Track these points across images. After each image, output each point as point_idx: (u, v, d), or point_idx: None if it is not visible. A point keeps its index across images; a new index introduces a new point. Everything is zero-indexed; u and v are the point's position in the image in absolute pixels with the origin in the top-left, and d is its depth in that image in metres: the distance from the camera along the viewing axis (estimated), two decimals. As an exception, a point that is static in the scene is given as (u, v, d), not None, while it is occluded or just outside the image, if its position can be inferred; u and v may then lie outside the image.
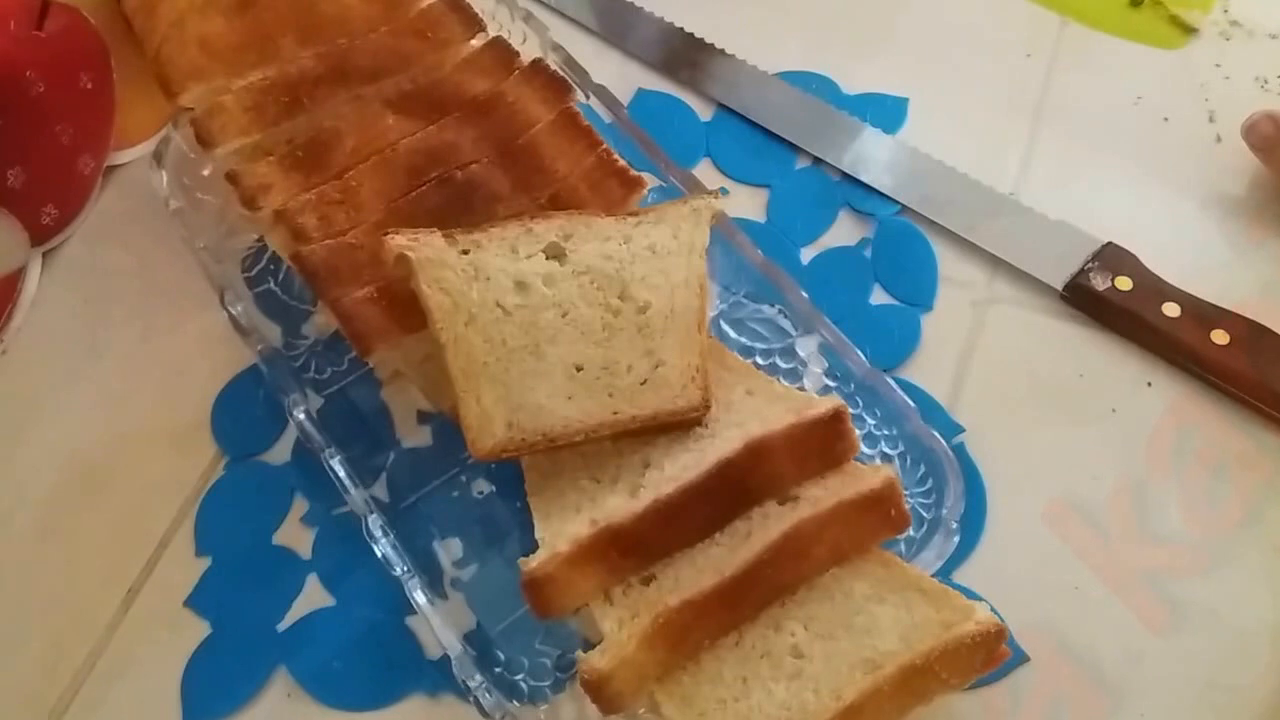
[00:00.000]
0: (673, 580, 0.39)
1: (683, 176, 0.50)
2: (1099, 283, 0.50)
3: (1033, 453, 0.48)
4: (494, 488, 0.47)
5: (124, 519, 0.49)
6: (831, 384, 0.48)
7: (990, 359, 0.51)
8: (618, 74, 0.61)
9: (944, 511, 0.43)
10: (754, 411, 0.42)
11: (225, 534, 0.48)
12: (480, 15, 0.53)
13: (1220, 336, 0.48)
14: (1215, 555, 0.45)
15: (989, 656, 0.38)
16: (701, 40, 0.61)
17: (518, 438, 0.40)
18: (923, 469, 0.44)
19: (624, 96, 0.58)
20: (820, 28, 0.62)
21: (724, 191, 0.56)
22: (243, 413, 0.51)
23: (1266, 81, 0.59)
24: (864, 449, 0.45)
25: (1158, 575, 0.45)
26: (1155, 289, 0.50)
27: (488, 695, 0.40)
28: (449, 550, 0.46)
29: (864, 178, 0.56)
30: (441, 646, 0.41)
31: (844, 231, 0.55)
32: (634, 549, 0.39)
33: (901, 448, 0.45)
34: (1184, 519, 0.46)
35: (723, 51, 0.61)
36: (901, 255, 0.54)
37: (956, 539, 0.42)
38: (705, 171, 0.57)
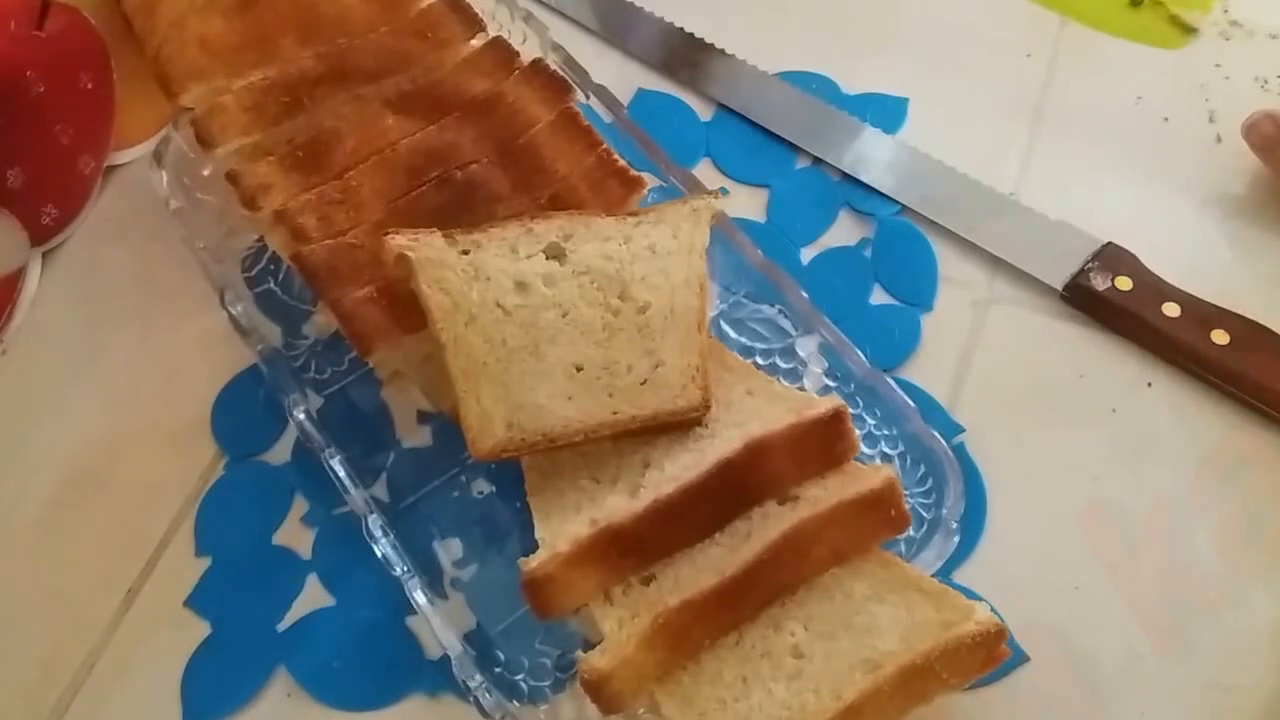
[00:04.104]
0: (673, 580, 0.39)
1: (683, 176, 0.50)
2: (1099, 283, 0.50)
3: (1033, 453, 0.48)
4: (494, 488, 0.47)
5: (124, 519, 0.49)
6: (831, 384, 0.48)
7: (990, 359, 0.51)
8: (618, 74, 0.61)
9: (944, 511, 0.43)
10: (754, 411, 0.42)
11: (225, 534, 0.48)
12: (480, 15, 0.53)
13: (1220, 336, 0.48)
14: (1222, 563, 0.45)
15: (989, 656, 0.38)
16: (701, 40, 0.61)
17: (518, 438, 0.40)
18: (923, 469, 0.44)
19: (624, 96, 0.58)
20: (820, 28, 0.62)
21: (724, 191, 0.56)
22: (243, 413, 0.51)
23: (1266, 81, 0.58)
24: (864, 449, 0.45)
25: (1162, 579, 0.45)
26: (1155, 289, 0.50)
27: (488, 695, 0.40)
28: (449, 550, 0.46)
29: (864, 178, 0.56)
30: (441, 646, 0.41)
31: (844, 231, 0.55)
32: (634, 549, 0.39)
33: (901, 448, 0.45)
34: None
35: (723, 51, 0.61)
36: (901, 255, 0.54)
37: (956, 539, 0.42)
38: (705, 171, 0.57)
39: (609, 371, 0.42)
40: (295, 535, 0.48)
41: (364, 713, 0.44)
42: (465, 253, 0.43)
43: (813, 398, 0.43)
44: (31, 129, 0.54)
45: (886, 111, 0.58)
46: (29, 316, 0.55)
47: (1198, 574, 0.45)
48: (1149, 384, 0.49)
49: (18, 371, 0.54)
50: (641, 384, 0.42)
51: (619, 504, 0.40)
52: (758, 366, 0.47)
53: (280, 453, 0.50)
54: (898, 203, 0.55)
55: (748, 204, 0.56)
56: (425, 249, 0.42)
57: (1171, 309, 0.49)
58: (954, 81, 0.59)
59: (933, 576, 0.40)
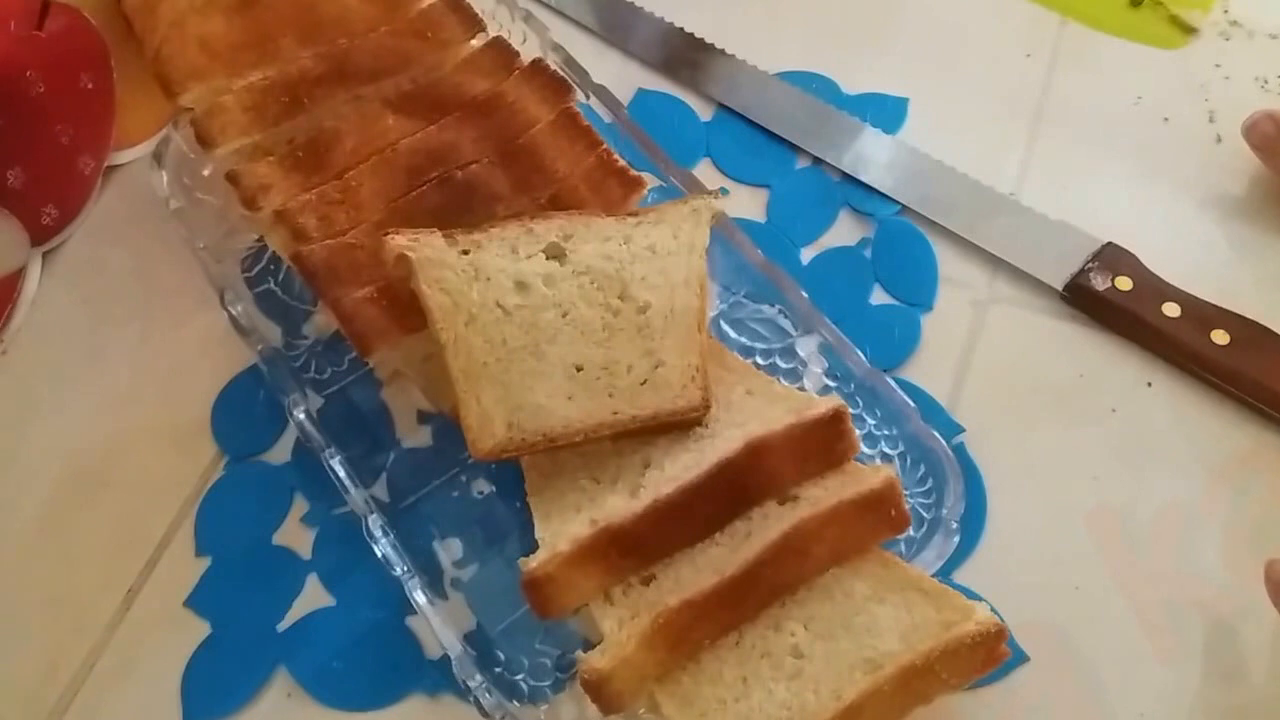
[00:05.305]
0: (673, 580, 0.39)
1: (683, 176, 0.50)
2: (1099, 283, 0.50)
3: (1033, 453, 0.48)
4: (494, 488, 0.47)
5: (124, 519, 0.49)
6: (831, 384, 0.48)
7: (990, 359, 0.51)
8: (618, 74, 0.61)
9: (944, 511, 0.43)
10: (754, 411, 0.42)
11: (225, 534, 0.48)
12: (480, 15, 0.53)
13: (1220, 336, 0.48)
14: (1223, 565, 0.45)
15: (989, 656, 0.38)
16: (701, 40, 0.61)
17: (518, 438, 0.40)
18: (923, 469, 0.44)
19: (624, 96, 0.58)
20: (820, 28, 0.62)
21: (724, 191, 0.56)
22: (243, 413, 0.51)
23: (1266, 81, 0.58)
24: (864, 449, 0.45)
25: (1162, 579, 0.45)
26: (1155, 289, 0.50)
27: (488, 695, 0.40)
28: (449, 550, 0.46)
29: (864, 178, 0.56)
30: (441, 646, 0.41)
31: (844, 231, 0.55)
32: (634, 549, 0.39)
33: (901, 448, 0.45)
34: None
35: (723, 51, 0.61)
36: (901, 255, 0.54)
37: (956, 539, 0.42)
38: (705, 171, 0.57)
39: (609, 371, 0.42)
40: (295, 535, 0.48)
41: (364, 713, 0.44)
42: (465, 253, 0.43)
43: (813, 398, 0.43)
44: (31, 129, 0.54)
45: (886, 111, 0.58)
46: (29, 316, 0.55)
47: (1198, 575, 0.45)
48: (1149, 384, 0.49)
49: (18, 371, 0.54)
50: (641, 384, 0.42)
51: (619, 504, 0.40)
52: (758, 366, 0.47)
53: (280, 453, 0.50)
54: (898, 203, 0.55)
55: (748, 204, 0.56)
56: (425, 249, 0.42)
57: (1171, 309, 0.49)
58: (954, 81, 0.59)
59: (933, 576, 0.40)
